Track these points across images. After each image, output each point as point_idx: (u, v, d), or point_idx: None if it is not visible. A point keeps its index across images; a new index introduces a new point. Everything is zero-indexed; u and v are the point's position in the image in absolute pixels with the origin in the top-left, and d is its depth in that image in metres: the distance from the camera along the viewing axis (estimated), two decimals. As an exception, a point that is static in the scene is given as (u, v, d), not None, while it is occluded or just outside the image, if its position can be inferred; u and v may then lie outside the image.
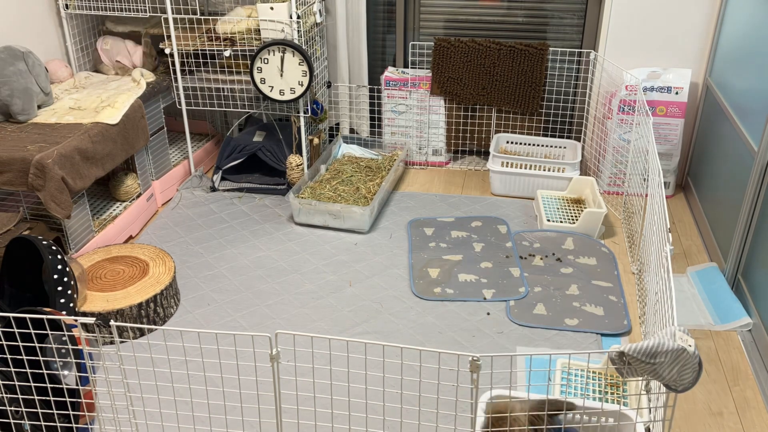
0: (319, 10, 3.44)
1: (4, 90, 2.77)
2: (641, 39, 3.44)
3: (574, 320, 2.56)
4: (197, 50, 3.36)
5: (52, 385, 1.82)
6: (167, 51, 3.34)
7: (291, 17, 3.16)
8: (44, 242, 2.33)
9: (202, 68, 3.48)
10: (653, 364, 1.54)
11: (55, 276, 2.28)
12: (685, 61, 3.45)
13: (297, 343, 2.44)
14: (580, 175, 3.46)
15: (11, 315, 1.62)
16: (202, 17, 3.48)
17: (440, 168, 3.86)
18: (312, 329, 2.54)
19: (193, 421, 2.11)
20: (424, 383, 2.26)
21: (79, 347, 1.91)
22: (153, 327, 1.36)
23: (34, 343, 1.75)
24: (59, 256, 2.31)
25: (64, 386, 1.93)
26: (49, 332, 1.81)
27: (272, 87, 3.26)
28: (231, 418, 2.09)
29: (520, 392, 1.96)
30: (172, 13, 3.27)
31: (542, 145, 3.70)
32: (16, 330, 1.69)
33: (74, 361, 1.94)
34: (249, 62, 3.27)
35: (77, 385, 1.96)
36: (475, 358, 1.44)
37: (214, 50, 3.35)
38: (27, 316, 1.62)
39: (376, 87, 3.85)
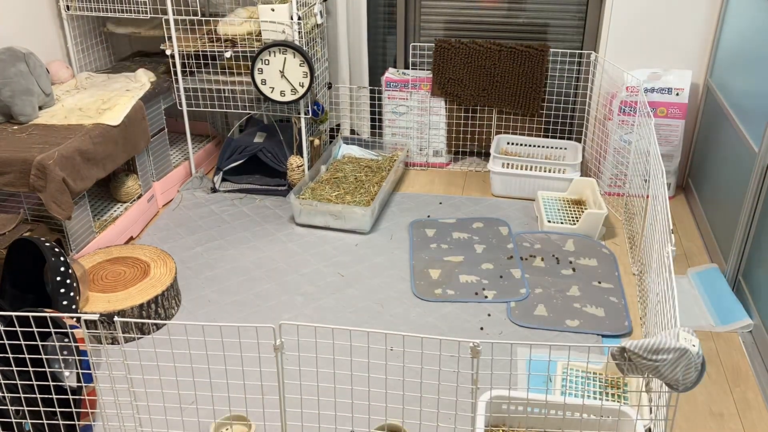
0: (320, 12, 3.45)
1: (6, 91, 2.78)
2: (642, 40, 3.44)
3: (575, 321, 2.57)
4: (198, 51, 3.37)
5: (54, 383, 1.83)
6: (168, 52, 3.34)
7: (292, 18, 3.17)
8: (47, 243, 2.33)
9: (203, 69, 3.49)
10: (655, 361, 1.54)
11: (58, 278, 2.28)
12: (685, 63, 3.45)
13: (299, 336, 2.44)
14: (581, 176, 3.46)
15: (14, 314, 1.62)
16: (203, 18, 3.49)
17: (441, 169, 3.86)
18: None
19: (197, 413, 2.11)
20: (426, 371, 2.27)
21: (81, 346, 1.92)
22: (158, 321, 1.37)
23: (36, 342, 1.75)
24: (62, 258, 2.31)
25: (66, 385, 1.93)
26: (52, 330, 1.81)
27: (273, 88, 3.27)
28: (235, 409, 2.09)
29: (521, 392, 1.96)
30: (173, 15, 3.28)
31: (543, 146, 3.70)
32: (18, 329, 1.69)
33: (77, 358, 1.94)
34: (250, 63, 3.27)
35: (79, 384, 1.96)
36: (475, 344, 1.49)
37: (214, 51, 3.35)
38: (30, 314, 1.62)
39: (376, 88, 3.85)
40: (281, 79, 3.24)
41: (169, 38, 3.34)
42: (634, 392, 2.15)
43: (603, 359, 2.35)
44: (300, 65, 3.19)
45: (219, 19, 3.39)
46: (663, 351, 1.53)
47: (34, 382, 1.82)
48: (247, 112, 3.62)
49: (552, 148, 3.70)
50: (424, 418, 2.12)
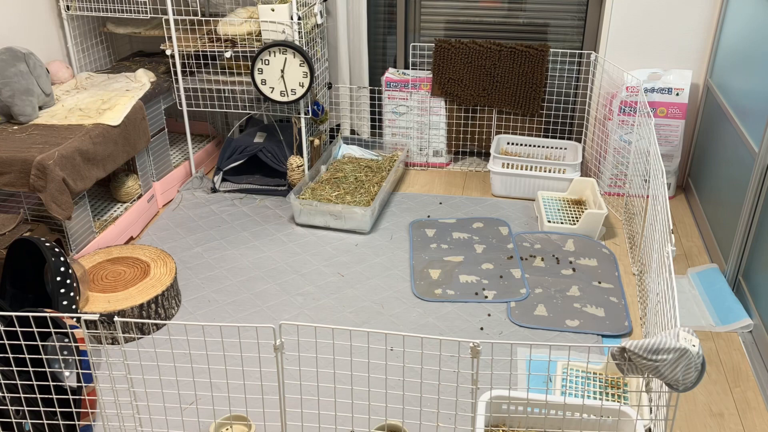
0: (320, 12, 3.45)
1: (6, 91, 2.78)
2: (642, 40, 3.44)
3: (575, 321, 2.57)
4: (198, 51, 3.37)
5: (54, 383, 1.82)
6: (168, 52, 3.34)
7: (292, 18, 3.17)
8: (47, 244, 2.33)
9: (203, 69, 3.49)
10: (655, 361, 1.54)
11: (58, 278, 2.28)
12: (685, 63, 3.45)
13: (299, 336, 2.44)
14: (581, 176, 3.46)
15: (14, 314, 1.62)
16: (203, 18, 3.49)
17: (441, 169, 3.86)
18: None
19: (197, 413, 2.11)
20: (426, 371, 2.26)
21: (81, 346, 1.92)
22: (158, 321, 1.37)
23: (36, 342, 1.75)
24: (62, 258, 2.31)
25: (66, 385, 1.93)
26: (53, 330, 1.81)
27: (273, 88, 3.27)
28: (235, 409, 2.09)
29: (521, 392, 1.96)
30: (173, 15, 3.28)
31: (543, 146, 3.70)
32: (18, 329, 1.69)
33: (77, 358, 1.94)
34: (250, 63, 3.28)
35: (79, 384, 1.96)
36: (475, 344, 1.49)
37: (215, 51, 3.35)
38: (30, 314, 1.62)
39: (376, 88, 3.86)
40: (281, 79, 3.24)
41: (169, 38, 3.34)
42: (634, 392, 2.15)
43: (603, 359, 2.36)
44: (300, 65, 3.19)
45: (219, 19, 3.39)
46: (663, 351, 1.53)
47: (34, 382, 1.82)
48: (247, 112, 3.62)
49: (552, 148, 3.70)
50: (424, 418, 2.12)
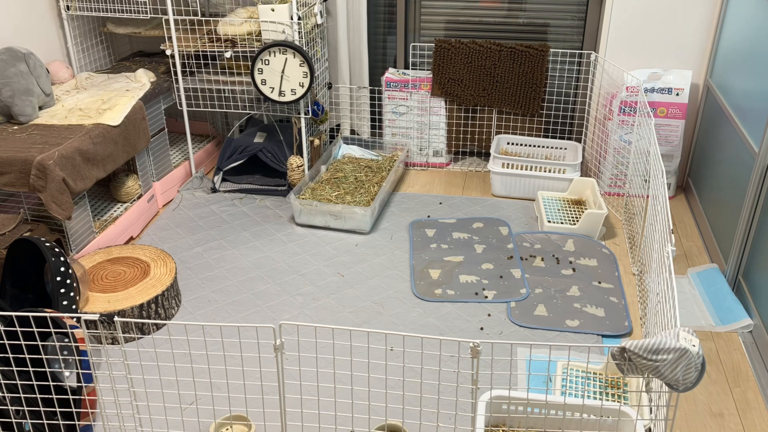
0: (320, 12, 3.45)
1: (6, 91, 2.78)
2: (642, 40, 3.44)
3: (575, 321, 2.57)
4: (198, 51, 3.37)
5: (54, 383, 1.82)
6: (168, 52, 3.34)
7: (292, 18, 3.17)
8: (47, 244, 2.33)
9: (203, 69, 3.49)
10: (655, 361, 1.54)
11: (58, 278, 2.28)
12: (685, 63, 3.45)
13: (299, 336, 2.44)
14: (581, 176, 3.46)
15: (14, 314, 1.62)
16: (203, 18, 3.49)
17: (441, 169, 3.86)
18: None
19: (197, 413, 2.11)
20: (426, 371, 2.27)
21: (81, 346, 1.92)
22: (158, 321, 1.37)
23: (36, 342, 1.75)
24: (62, 258, 2.31)
25: (66, 385, 1.93)
26: (53, 330, 1.81)
27: (273, 88, 3.27)
28: (235, 409, 2.09)
29: (521, 392, 1.96)
30: (173, 15, 3.28)
31: (543, 146, 3.70)
32: (18, 329, 1.69)
33: (77, 358, 1.94)
34: (250, 63, 3.28)
35: (79, 384, 1.96)
36: (475, 344, 1.49)
37: (215, 51, 3.35)
38: (30, 314, 1.62)
39: (376, 88, 3.85)
40: (281, 79, 3.24)
41: (169, 38, 3.34)
42: (634, 392, 2.15)
43: (603, 359, 2.35)
44: (300, 65, 3.19)
45: (219, 19, 3.39)
46: (663, 351, 1.53)
47: (34, 382, 1.82)
48: (247, 112, 3.62)
49: (552, 148, 3.69)
50: (424, 418, 2.12)
